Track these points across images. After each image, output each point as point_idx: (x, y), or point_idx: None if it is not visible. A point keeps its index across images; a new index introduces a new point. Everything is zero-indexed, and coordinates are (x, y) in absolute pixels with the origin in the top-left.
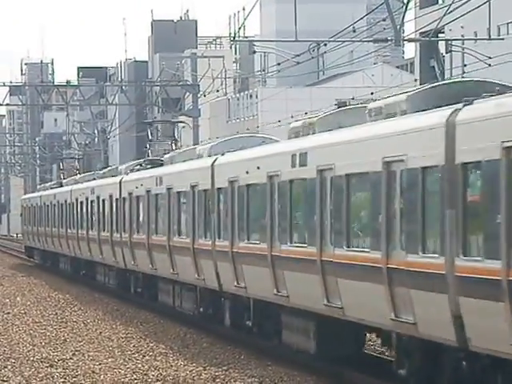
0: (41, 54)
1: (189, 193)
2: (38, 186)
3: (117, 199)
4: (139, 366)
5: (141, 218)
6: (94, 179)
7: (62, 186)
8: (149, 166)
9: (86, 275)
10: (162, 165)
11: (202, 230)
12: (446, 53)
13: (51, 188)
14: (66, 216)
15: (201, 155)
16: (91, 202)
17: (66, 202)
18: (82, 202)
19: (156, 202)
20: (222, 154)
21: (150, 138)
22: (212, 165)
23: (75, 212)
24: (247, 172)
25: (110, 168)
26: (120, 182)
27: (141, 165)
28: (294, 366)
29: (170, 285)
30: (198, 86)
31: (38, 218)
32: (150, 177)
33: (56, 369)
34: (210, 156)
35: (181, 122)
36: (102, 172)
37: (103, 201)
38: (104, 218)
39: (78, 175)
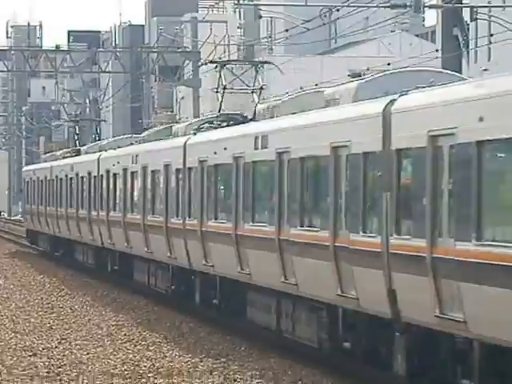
0: (28, 16)
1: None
2: (44, 156)
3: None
4: (130, 356)
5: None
6: (133, 144)
7: (79, 153)
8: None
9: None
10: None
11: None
12: (471, 21)
13: (64, 157)
14: (88, 193)
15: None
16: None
17: (90, 174)
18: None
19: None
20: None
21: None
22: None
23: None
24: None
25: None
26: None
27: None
28: (297, 358)
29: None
30: (199, 53)
31: (48, 196)
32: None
33: (40, 358)
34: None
35: (267, 62)
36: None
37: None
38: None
39: (105, 140)
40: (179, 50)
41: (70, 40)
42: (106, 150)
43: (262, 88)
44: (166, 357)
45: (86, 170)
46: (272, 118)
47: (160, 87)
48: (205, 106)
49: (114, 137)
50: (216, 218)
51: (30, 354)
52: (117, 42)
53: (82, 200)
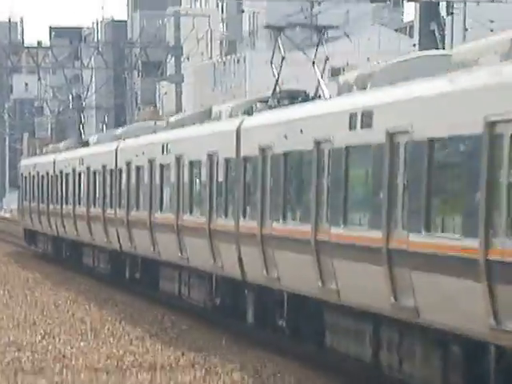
0: (9, 11)
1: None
2: (45, 148)
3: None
4: (114, 350)
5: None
6: (156, 131)
7: (87, 144)
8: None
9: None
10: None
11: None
12: (447, 15)
13: (68, 149)
14: (103, 190)
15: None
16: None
17: (105, 167)
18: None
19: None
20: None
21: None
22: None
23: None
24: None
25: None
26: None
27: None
28: (276, 351)
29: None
30: (182, 47)
31: (50, 192)
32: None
33: (24, 353)
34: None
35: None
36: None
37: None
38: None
39: (120, 128)
40: (162, 46)
41: (52, 36)
42: (123, 139)
43: (327, 59)
44: (148, 351)
45: (99, 162)
46: (364, 89)
47: (143, 83)
48: (187, 102)
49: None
50: (284, 219)
51: (14, 349)
52: (99, 38)
53: (94, 197)
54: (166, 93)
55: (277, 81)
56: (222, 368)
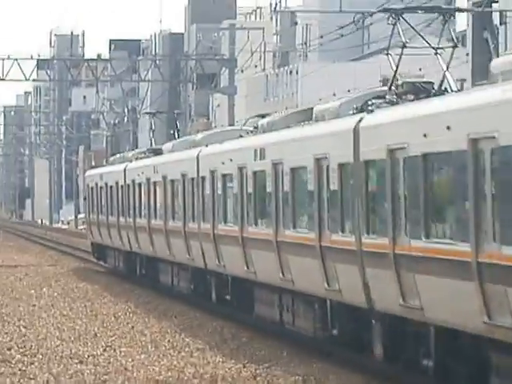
0: (71, 25)
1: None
2: (112, 158)
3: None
4: (174, 362)
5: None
6: (242, 136)
7: (161, 152)
8: None
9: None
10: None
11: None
12: (500, 24)
13: (138, 158)
14: (183, 201)
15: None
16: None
17: (185, 176)
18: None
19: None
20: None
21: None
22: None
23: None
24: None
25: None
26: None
27: None
28: (340, 363)
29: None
30: (236, 60)
31: (121, 204)
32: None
33: (86, 365)
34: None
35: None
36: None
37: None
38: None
39: (198, 134)
40: (217, 58)
41: (112, 48)
42: (205, 146)
43: (455, 46)
44: (209, 363)
45: (178, 171)
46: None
47: (197, 95)
48: (239, 113)
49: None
50: (427, 237)
51: (77, 361)
52: (157, 50)
53: (172, 209)
54: (218, 105)
55: (396, 68)
56: (284, 380)
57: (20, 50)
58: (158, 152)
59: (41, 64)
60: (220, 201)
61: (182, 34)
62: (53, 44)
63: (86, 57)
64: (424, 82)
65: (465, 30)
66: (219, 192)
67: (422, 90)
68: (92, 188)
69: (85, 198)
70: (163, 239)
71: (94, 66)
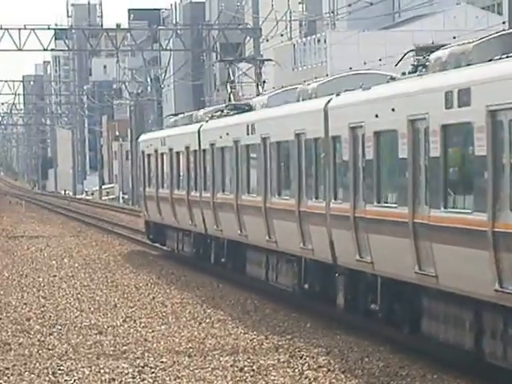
0: None
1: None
2: (173, 119)
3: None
4: (195, 333)
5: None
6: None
7: (250, 108)
8: None
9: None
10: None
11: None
12: None
13: (218, 116)
14: (298, 170)
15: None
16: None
17: (301, 136)
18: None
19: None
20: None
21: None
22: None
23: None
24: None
25: None
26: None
27: None
28: (363, 335)
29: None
30: (260, 29)
31: (194, 175)
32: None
33: (105, 336)
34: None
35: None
36: None
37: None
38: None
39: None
40: (240, 27)
41: (131, 18)
42: (337, 95)
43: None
44: (231, 334)
45: (289, 130)
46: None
47: (221, 65)
48: (268, 83)
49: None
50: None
51: (96, 332)
52: (177, 20)
53: (280, 182)
54: (245, 74)
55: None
56: (307, 352)
57: (37, 20)
58: (241, 108)
59: (58, 34)
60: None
61: (203, 2)
62: (70, 14)
63: (105, 27)
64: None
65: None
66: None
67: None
68: (149, 155)
69: (138, 168)
70: (261, 220)
71: (113, 35)
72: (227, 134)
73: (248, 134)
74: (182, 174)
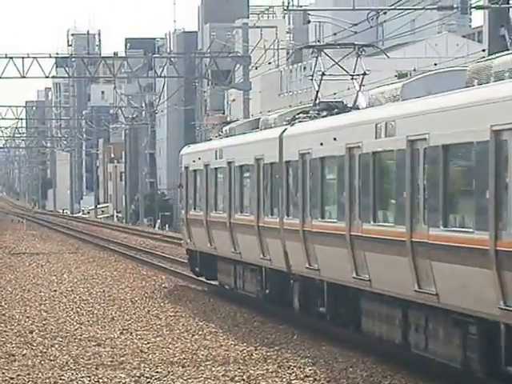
0: (88, 24)
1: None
2: (227, 127)
3: None
4: (188, 345)
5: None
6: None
7: (345, 109)
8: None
9: None
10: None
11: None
12: None
13: (305, 119)
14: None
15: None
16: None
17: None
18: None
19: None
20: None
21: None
22: None
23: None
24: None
25: None
26: None
27: None
28: (347, 346)
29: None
30: (250, 57)
31: (265, 194)
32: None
33: (104, 347)
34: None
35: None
36: None
37: None
38: None
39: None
40: (230, 55)
41: (128, 47)
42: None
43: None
44: (222, 345)
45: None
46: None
47: (212, 91)
48: (254, 108)
49: (167, 139)
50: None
51: (95, 343)
52: (171, 48)
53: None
54: (234, 100)
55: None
56: (294, 362)
57: (39, 49)
58: (336, 107)
59: (59, 62)
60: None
61: (196, 32)
62: (70, 43)
63: (103, 55)
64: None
65: (481, 26)
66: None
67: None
68: (196, 171)
69: (181, 186)
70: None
71: (110, 63)
72: (334, 139)
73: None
74: (248, 193)
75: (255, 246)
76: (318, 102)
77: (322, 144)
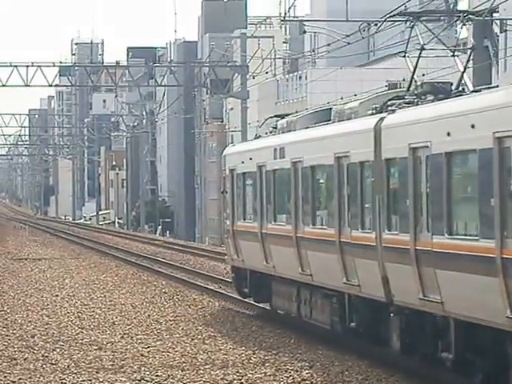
0: (91, 34)
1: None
2: (281, 122)
3: None
4: (188, 349)
5: None
6: None
7: (440, 97)
8: None
9: None
10: None
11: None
12: (501, 32)
13: (402, 105)
14: None
15: None
16: None
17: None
18: None
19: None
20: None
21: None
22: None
23: None
24: None
25: None
26: None
27: None
28: (343, 350)
29: None
30: (247, 66)
31: (358, 201)
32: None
33: (105, 351)
34: None
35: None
36: None
37: None
38: None
39: None
40: (229, 64)
41: (129, 56)
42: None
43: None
44: (221, 349)
45: None
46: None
47: (211, 99)
48: (252, 116)
49: (168, 147)
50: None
51: (96, 348)
52: (172, 58)
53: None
54: (232, 108)
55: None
56: (291, 366)
57: (43, 58)
58: (441, 91)
59: (62, 70)
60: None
61: (196, 42)
62: (74, 52)
63: (105, 64)
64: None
65: (466, 38)
66: None
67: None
68: (245, 175)
69: (225, 192)
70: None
71: (112, 72)
72: (472, 126)
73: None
74: (324, 200)
75: (335, 267)
76: (417, 84)
77: (448, 134)
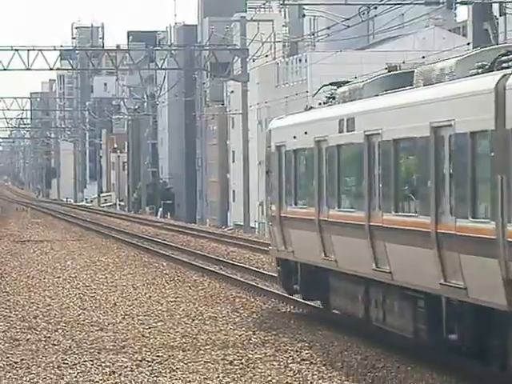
0: (91, 18)
1: None
2: (342, 89)
3: None
4: (188, 329)
5: None
6: None
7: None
8: None
9: None
10: None
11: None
12: (500, 15)
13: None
14: None
15: None
16: None
17: None
18: None
19: None
20: None
21: None
22: None
23: None
24: None
25: None
26: None
27: None
28: (343, 331)
29: None
30: (247, 50)
31: (472, 182)
32: None
33: (106, 332)
34: None
35: None
36: None
37: None
38: None
39: None
40: (229, 48)
41: (130, 40)
42: None
43: None
44: (221, 330)
45: None
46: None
47: (211, 82)
48: (252, 99)
49: (169, 130)
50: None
51: (97, 328)
52: (172, 41)
53: None
54: (232, 91)
55: None
56: (291, 346)
57: (44, 42)
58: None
59: (63, 54)
60: None
61: (196, 25)
62: (74, 36)
63: (106, 47)
64: None
65: (465, 21)
66: None
67: None
68: (296, 152)
69: (269, 172)
70: None
71: (113, 55)
72: None
73: None
74: (413, 181)
75: (427, 264)
76: None
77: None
